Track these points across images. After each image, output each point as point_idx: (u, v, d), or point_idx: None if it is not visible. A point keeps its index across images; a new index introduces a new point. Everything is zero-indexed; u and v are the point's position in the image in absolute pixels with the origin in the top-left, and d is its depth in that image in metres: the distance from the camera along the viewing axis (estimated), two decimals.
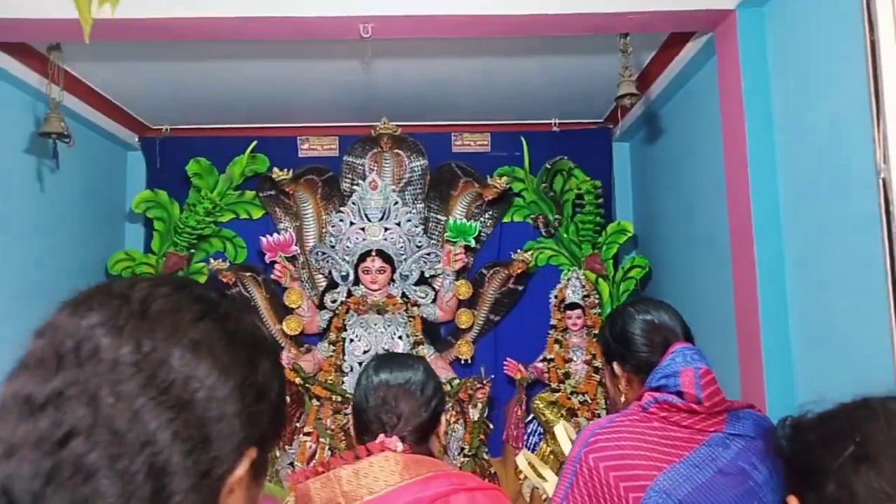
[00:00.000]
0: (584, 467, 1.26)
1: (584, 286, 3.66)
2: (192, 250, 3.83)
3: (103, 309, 0.50)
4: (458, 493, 1.17)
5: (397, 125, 3.88)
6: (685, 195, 3.40)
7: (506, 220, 3.95)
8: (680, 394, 1.28)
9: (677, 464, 1.24)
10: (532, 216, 3.92)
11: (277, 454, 3.39)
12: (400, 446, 1.25)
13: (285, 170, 3.81)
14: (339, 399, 3.41)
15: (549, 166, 3.87)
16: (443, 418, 1.42)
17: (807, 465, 0.81)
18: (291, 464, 3.35)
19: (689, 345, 1.34)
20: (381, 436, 1.28)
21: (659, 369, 1.32)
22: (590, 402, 3.48)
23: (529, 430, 3.61)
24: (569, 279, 3.69)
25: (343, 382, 3.49)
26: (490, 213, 3.93)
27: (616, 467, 1.23)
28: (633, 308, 1.46)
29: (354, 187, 3.79)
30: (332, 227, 3.73)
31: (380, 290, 3.60)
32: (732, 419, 1.29)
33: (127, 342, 0.48)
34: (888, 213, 1.69)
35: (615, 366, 1.46)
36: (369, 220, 3.67)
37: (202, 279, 3.79)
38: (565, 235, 3.87)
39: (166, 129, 4.10)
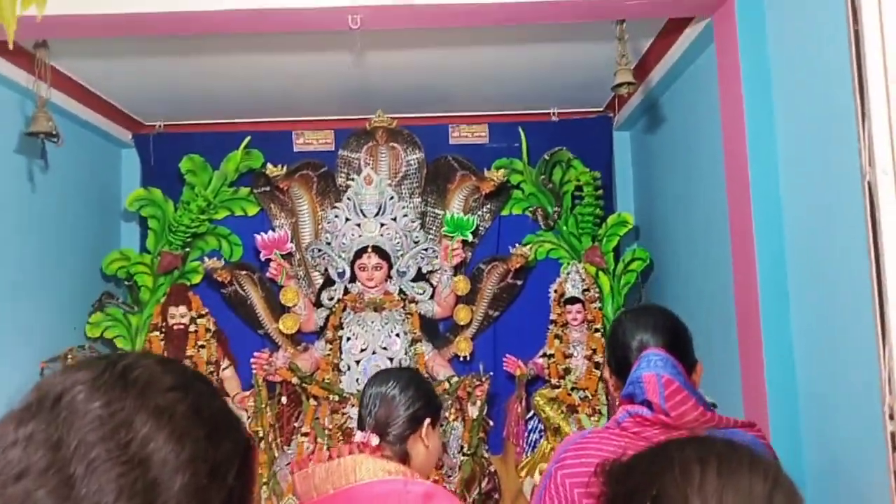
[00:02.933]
0: (552, 482, 1.32)
1: (584, 280, 3.60)
2: (187, 249, 3.79)
3: (91, 369, 0.55)
4: (398, 495, 1.30)
5: (393, 118, 3.82)
6: (686, 185, 3.32)
7: (504, 213, 3.89)
8: (650, 405, 1.25)
9: None
10: (531, 209, 3.85)
11: (276, 455, 3.35)
12: (375, 440, 1.44)
13: (279, 165, 3.76)
14: (337, 398, 3.37)
15: (547, 157, 3.79)
16: (425, 423, 1.50)
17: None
18: (289, 464, 3.31)
19: (659, 351, 1.29)
20: (359, 433, 1.48)
21: (630, 376, 1.31)
22: (590, 397, 3.43)
23: (530, 428, 3.55)
24: (568, 273, 3.62)
25: (340, 381, 3.45)
26: (488, 206, 3.87)
27: (579, 483, 1.26)
28: (628, 311, 1.49)
29: (350, 182, 3.73)
30: (328, 223, 3.67)
31: (377, 287, 3.55)
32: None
33: (100, 398, 0.52)
34: (874, 217, 1.59)
35: (606, 368, 1.49)
36: (365, 215, 3.61)
37: (197, 278, 3.76)
38: (565, 228, 3.81)
39: (160, 126, 4.06)
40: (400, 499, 1.29)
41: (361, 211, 3.62)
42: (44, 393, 0.53)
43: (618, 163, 4.11)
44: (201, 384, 0.60)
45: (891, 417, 1.59)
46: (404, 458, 1.48)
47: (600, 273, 3.71)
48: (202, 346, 3.56)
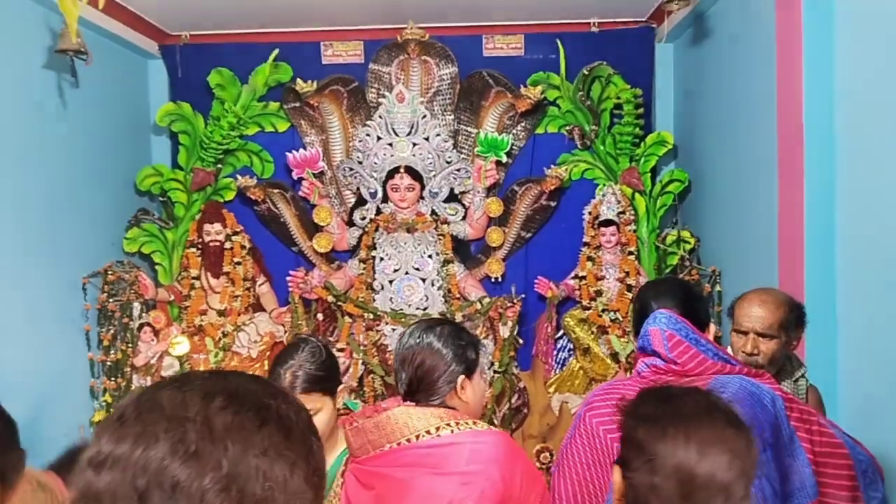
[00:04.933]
0: (581, 423, 1.51)
1: (619, 202, 3.54)
2: (219, 165, 3.79)
3: (168, 436, 0.50)
4: (462, 445, 1.33)
5: (424, 28, 3.65)
6: (732, 105, 3.17)
7: (539, 131, 3.78)
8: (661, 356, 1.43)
9: None
10: (567, 127, 3.74)
11: None
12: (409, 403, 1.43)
13: (309, 81, 3.66)
14: (371, 316, 3.45)
15: (586, 72, 3.63)
16: (459, 380, 1.47)
17: (631, 443, 0.91)
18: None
19: (666, 310, 1.46)
20: (390, 399, 1.48)
21: (641, 331, 1.50)
22: (621, 319, 3.46)
23: (559, 347, 3.62)
24: (604, 194, 3.56)
25: (374, 300, 3.52)
26: (523, 124, 3.76)
27: (605, 423, 1.45)
28: (648, 283, 1.88)
29: (381, 99, 3.63)
30: (359, 141, 3.61)
31: (409, 207, 3.53)
32: (717, 383, 1.36)
33: (206, 469, 0.49)
34: None
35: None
36: (397, 134, 3.54)
37: (231, 195, 3.77)
38: (601, 148, 3.70)
39: (185, 36, 3.94)
40: (469, 455, 1.32)
41: (393, 130, 3.55)
42: (129, 479, 0.48)
43: (659, 78, 3.93)
44: (276, 402, 0.57)
45: None
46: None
47: (636, 194, 3.65)
48: (238, 263, 3.62)
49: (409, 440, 1.36)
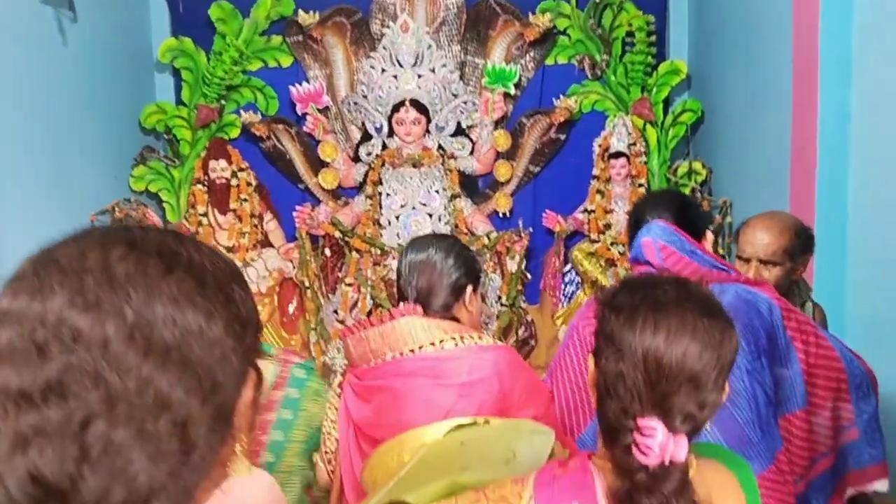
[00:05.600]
0: (574, 332, 1.56)
1: (630, 133, 3.47)
2: (223, 102, 3.74)
3: (64, 288, 0.47)
4: (464, 358, 1.33)
5: None
6: (747, 33, 3.05)
7: (548, 62, 3.68)
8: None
9: None
10: (577, 57, 3.64)
11: (322, 302, 3.51)
12: (419, 312, 1.41)
13: (311, 12, 3.57)
14: (379, 251, 3.45)
15: (597, 0, 3.51)
16: (467, 291, 1.48)
17: (603, 332, 0.90)
18: (336, 311, 3.47)
19: (661, 221, 1.45)
20: (401, 304, 1.45)
21: (634, 242, 1.50)
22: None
23: (567, 280, 3.61)
24: (614, 126, 3.49)
25: (381, 235, 3.51)
26: (531, 54, 3.66)
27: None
28: (646, 195, 1.89)
29: (385, 30, 3.54)
30: (363, 74, 3.54)
31: (415, 142, 3.48)
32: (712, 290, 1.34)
33: (108, 317, 0.46)
34: None
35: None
36: (401, 66, 3.46)
37: (235, 132, 3.74)
38: (612, 78, 3.61)
39: None
40: (470, 367, 1.32)
41: (398, 61, 3.47)
42: (28, 332, 0.45)
43: (672, 5, 3.78)
44: (182, 247, 0.53)
45: None
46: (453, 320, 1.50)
47: (648, 126, 3.57)
48: (245, 200, 3.61)
49: (412, 350, 1.35)
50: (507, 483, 0.90)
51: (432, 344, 1.36)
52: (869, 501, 1.50)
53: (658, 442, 0.78)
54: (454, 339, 1.37)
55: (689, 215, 1.55)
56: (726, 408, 0.87)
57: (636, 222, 1.56)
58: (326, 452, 1.51)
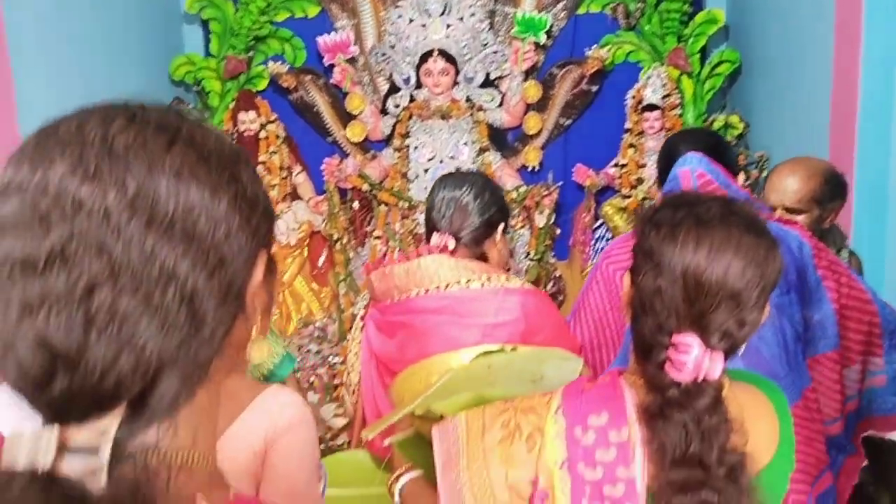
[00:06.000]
0: (598, 272, 1.59)
1: (665, 85, 3.37)
2: (251, 53, 3.72)
3: (64, 158, 0.47)
4: (490, 299, 1.34)
5: None
6: None
7: (580, 10, 3.57)
8: None
9: None
10: (611, 5, 3.52)
11: (351, 255, 3.53)
12: (452, 244, 1.42)
13: None
14: (407, 205, 3.44)
15: None
16: (499, 228, 1.50)
17: (642, 248, 0.88)
18: (364, 264, 3.49)
19: (696, 153, 1.40)
20: (435, 234, 1.44)
21: (669, 175, 1.44)
22: None
23: (597, 236, 3.58)
24: (649, 77, 3.39)
25: (409, 189, 3.50)
26: (563, 2, 3.55)
27: (620, 267, 1.48)
28: (676, 132, 1.83)
29: None
30: (391, 24, 3.48)
31: (443, 93, 3.43)
32: None
33: (109, 187, 0.45)
34: None
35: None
36: (430, 15, 3.39)
37: (263, 84, 3.73)
38: (647, 27, 3.49)
39: None
40: (496, 309, 1.32)
41: (426, 10, 3.40)
42: (29, 202, 0.46)
43: None
44: (185, 123, 0.52)
45: None
46: (481, 260, 1.50)
47: (683, 77, 3.46)
48: (274, 153, 3.62)
49: (437, 287, 1.35)
50: (535, 395, 0.90)
51: (458, 282, 1.36)
52: (878, 446, 1.50)
53: (693, 357, 0.77)
54: (481, 279, 1.37)
55: (722, 153, 1.50)
56: (752, 342, 0.86)
57: (668, 157, 1.52)
58: (349, 385, 1.55)
